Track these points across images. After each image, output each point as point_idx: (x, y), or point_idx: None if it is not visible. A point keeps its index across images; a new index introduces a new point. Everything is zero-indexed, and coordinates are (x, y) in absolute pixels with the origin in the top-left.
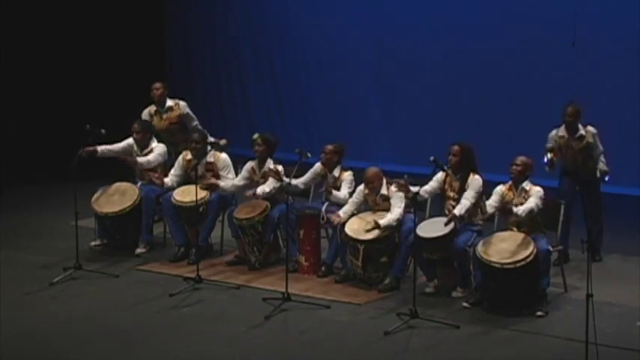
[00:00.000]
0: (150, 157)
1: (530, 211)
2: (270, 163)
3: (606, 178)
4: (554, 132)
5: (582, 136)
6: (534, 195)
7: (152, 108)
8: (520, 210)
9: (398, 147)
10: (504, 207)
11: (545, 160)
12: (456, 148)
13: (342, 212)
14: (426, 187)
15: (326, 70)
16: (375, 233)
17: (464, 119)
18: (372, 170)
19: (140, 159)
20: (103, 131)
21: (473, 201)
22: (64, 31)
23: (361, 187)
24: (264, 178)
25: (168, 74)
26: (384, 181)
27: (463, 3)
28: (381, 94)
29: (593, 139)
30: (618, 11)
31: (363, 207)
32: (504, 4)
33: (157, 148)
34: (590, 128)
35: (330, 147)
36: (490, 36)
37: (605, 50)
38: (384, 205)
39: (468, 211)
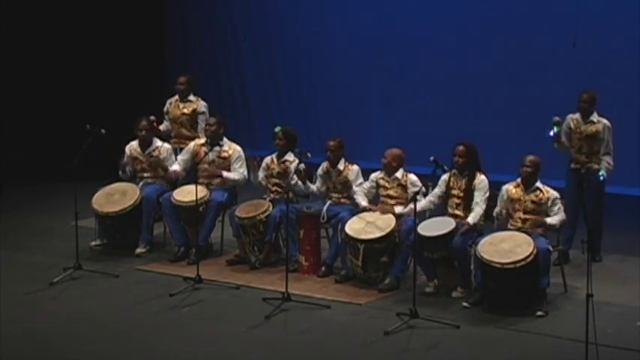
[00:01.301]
0: (176, 167)
1: (563, 222)
2: (290, 156)
3: (601, 177)
4: (570, 115)
5: (593, 122)
6: (555, 202)
7: (174, 98)
8: (555, 221)
9: (398, 147)
10: (538, 221)
11: (552, 133)
12: (461, 148)
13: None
14: (429, 198)
15: (326, 69)
16: (376, 233)
17: (464, 119)
18: (392, 149)
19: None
20: (103, 131)
21: (484, 206)
22: (64, 32)
23: (375, 174)
24: (280, 167)
25: (168, 74)
26: (402, 169)
27: (464, 3)
28: (381, 93)
29: (603, 130)
30: (618, 11)
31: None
32: (505, 4)
33: (164, 150)
34: (605, 120)
35: (333, 143)
36: (491, 36)
37: (605, 51)
38: (396, 190)
39: (481, 217)
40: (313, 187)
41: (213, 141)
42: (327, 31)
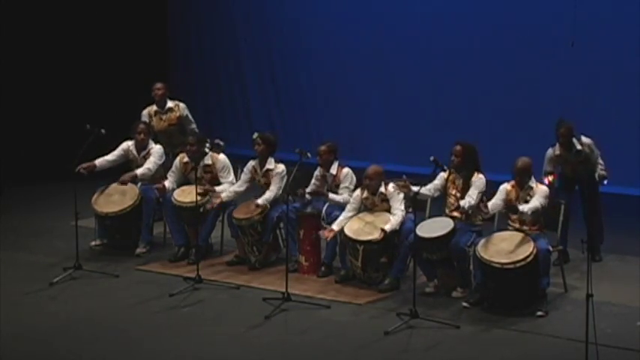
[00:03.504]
0: (149, 165)
1: (536, 210)
2: (271, 162)
3: (605, 182)
4: (550, 151)
5: (579, 151)
6: (539, 194)
7: (152, 108)
8: (526, 208)
9: (398, 147)
10: (510, 205)
11: (547, 182)
12: (457, 148)
13: (336, 224)
14: (429, 186)
15: (326, 70)
16: (377, 235)
17: (464, 119)
18: (373, 168)
19: (140, 171)
20: (103, 131)
21: (477, 200)
22: (64, 31)
23: (357, 192)
24: (266, 177)
25: (168, 75)
26: (383, 181)
27: (463, 3)
28: (381, 93)
29: (589, 149)
30: (618, 11)
31: (363, 208)
32: (504, 4)
33: (155, 152)
34: (585, 140)
35: (323, 148)
36: (490, 36)
37: (604, 50)
38: (383, 205)
39: (471, 207)
40: (338, 198)
41: (196, 160)
42: (328, 31)
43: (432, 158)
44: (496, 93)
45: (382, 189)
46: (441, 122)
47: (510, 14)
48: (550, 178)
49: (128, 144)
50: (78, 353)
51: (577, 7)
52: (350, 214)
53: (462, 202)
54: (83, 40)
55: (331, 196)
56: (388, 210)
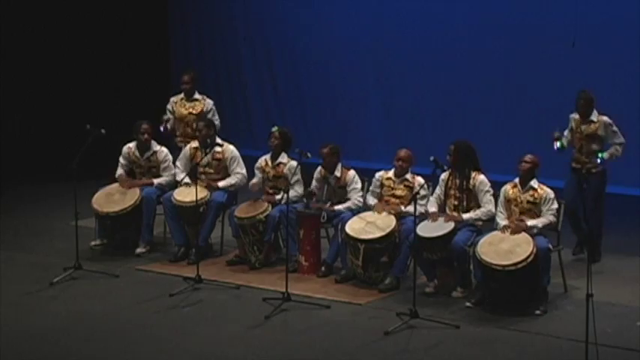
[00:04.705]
0: (171, 177)
1: (549, 224)
2: (284, 157)
3: (598, 160)
4: (572, 115)
5: (592, 122)
6: (548, 201)
7: (179, 97)
8: (539, 223)
9: (398, 147)
10: (520, 227)
11: (556, 147)
12: (451, 147)
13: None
14: (433, 200)
15: (326, 69)
16: (376, 233)
17: (464, 119)
18: (406, 150)
19: (158, 181)
20: (103, 131)
21: (491, 206)
22: (65, 32)
23: (380, 172)
24: (275, 170)
25: (168, 74)
26: (410, 170)
27: (463, 3)
28: (381, 93)
29: (603, 127)
30: (618, 11)
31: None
32: (505, 4)
33: (167, 159)
34: (603, 118)
35: (326, 150)
36: (490, 36)
37: (605, 50)
38: (402, 192)
39: (488, 216)
40: (345, 206)
41: (205, 144)
42: (327, 31)
43: (432, 158)
44: (496, 93)
45: (409, 176)
46: (441, 122)
47: (511, 14)
48: (558, 143)
49: (129, 146)
50: (78, 353)
51: (577, 7)
52: (375, 196)
53: (465, 215)
54: (83, 40)
55: (337, 207)
56: (406, 197)
